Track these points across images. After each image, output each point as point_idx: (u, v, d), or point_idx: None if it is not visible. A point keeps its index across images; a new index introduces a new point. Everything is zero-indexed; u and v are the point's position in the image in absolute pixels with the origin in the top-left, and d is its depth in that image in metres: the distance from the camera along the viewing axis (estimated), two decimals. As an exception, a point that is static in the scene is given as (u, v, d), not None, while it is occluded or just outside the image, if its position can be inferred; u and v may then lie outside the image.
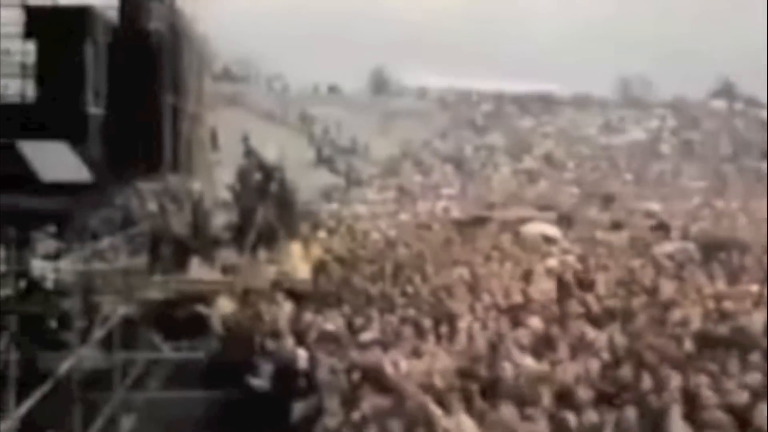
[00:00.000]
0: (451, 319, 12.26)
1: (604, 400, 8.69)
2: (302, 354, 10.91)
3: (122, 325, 11.58)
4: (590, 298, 14.18)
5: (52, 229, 11.22)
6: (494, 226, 28.46)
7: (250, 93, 61.69)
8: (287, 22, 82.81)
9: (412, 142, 58.72)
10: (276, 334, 11.92)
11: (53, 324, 9.33)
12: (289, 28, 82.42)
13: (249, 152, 29.20)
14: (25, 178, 9.63)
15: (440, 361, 10.04)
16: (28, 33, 14.83)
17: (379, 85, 73.80)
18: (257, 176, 22.63)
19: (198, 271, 17.11)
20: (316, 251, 20.60)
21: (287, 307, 14.10)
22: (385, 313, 12.97)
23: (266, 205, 20.78)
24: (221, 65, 57.10)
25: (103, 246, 11.69)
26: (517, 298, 14.31)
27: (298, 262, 18.83)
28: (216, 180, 23.72)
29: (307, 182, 34.26)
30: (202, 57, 20.47)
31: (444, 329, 11.69)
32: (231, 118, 42.81)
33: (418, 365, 9.91)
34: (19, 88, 17.90)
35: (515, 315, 12.74)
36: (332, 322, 12.52)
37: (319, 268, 18.19)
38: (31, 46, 14.99)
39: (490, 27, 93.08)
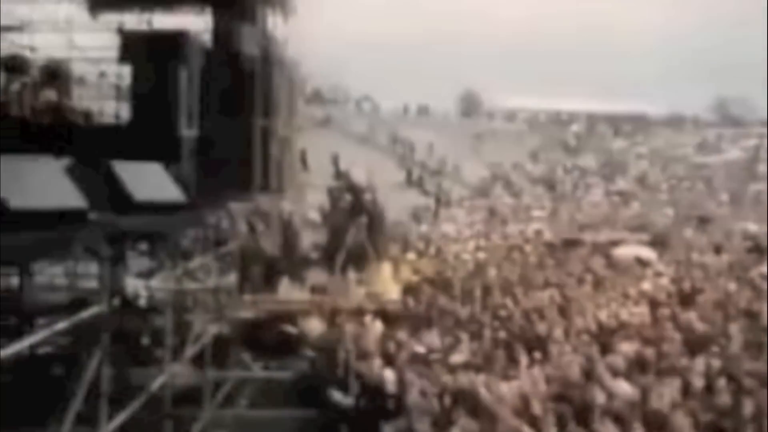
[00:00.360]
0: (543, 342, 12.09)
1: (701, 427, 8.44)
2: (391, 375, 10.85)
3: (213, 343, 11.68)
4: (686, 321, 13.85)
5: (144, 248, 11.39)
6: (586, 249, 28.05)
7: (340, 115, 62.15)
8: (377, 45, 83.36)
9: (502, 164, 58.38)
10: (365, 355, 11.88)
11: (146, 341, 9.45)
12: (380, 50, 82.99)
13: (339, 174, 29.38)
14: (119, 198, 9.76)
15: (533, 385, 9.89)
16: (124, 56, 15.13)
17: (470, 106, 73.67)
18: (347, 197, 22.72)
19: (287, 291, 17.21)
20: (406, 272, 20.55)
21: (376, 328, 14.08)
22: (476, 335, 12.85)
23: (356, 226, 20.83)
24: (312, 88, 57.66)
25: (195, 265, 11.83)
26: (611, 322, 14.06)
27: (387, 283, 18.81)
28: (306, 201, 23.88)
29: (397, 203, 34.26)
30: (293, 80, 20.63)
31: (536, 352, 11.52)
32: (321, 139, 43.15)
33: (510, 389, 9.77)
34: (114, 111, 18.31)
35: (608, 339, 12.50)
36: (422, 344, 12.44)
37: (409, 289, 18.13)
38: (126, 70, 15.29)
39: (581, 47, 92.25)
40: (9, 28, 10.44)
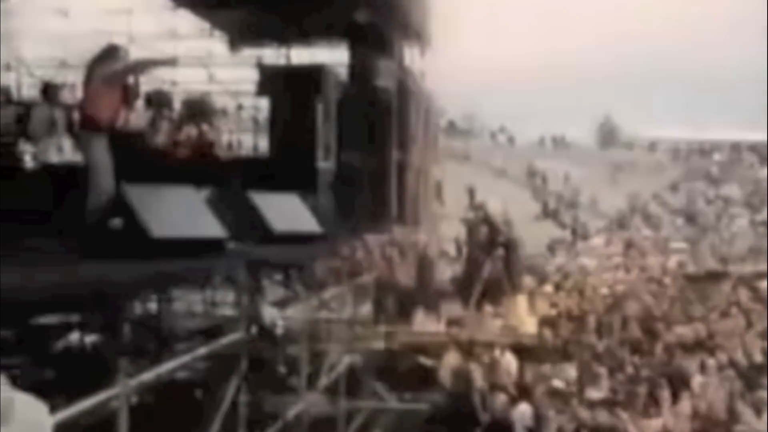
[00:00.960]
0: (686, 378, 11.72)
1: None
2: (527, 410, 10.68)
3: (347, 373, 11.72)
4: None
5: (280, 277, 11.55)
6: (731, 281, 27.13)
7: (475, 147, 62.04)
8: (512, 76, 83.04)
9: (641, 195, 57.13)
10: (500, 389, 11.73)
11: (282, 369, 9.53)
12: (515, 81, 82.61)
13: (475, 206, 29.27)
14: (258, 229, 9.93)
15: (676, 422, 9.58)
16: (262, 90, 15.47)
17: (608, 136, 72.57)
18: (483, 230, 22.59)
19: (422, 323, 17.17)
20: (542, 305, 20.27)
21: (512, 361, 13.90)
22: (615, 370, 12.56)
23: (492, 259, 20.66)
24: (447, 120, 57.81)
25: (330, 296, 11.92)
26: (757, 358, 13.53)
27: (523, 316, 18.57)
28: (441, 233, 23.86)
29: (533, 236, 33.89)
30: (428, 112, 20.74)
31: (678, 388, 11.18)
32: (456, 171, 43.09)
33: (651, 426, 9.50)
34: (252, 143, 18.72)
35: (754, 375, 12.04)
36: (559, 379, 12.22)
37: (546, 322, 17.87)
38: (264, 103, 15.62)
39: (722, 72, 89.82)
40: (160, 63, 10.79)
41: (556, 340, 15.71)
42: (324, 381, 10.48)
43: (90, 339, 12.63)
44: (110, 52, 9.04)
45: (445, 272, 22.25)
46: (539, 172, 58.59)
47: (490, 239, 21.91)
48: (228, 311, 12.57)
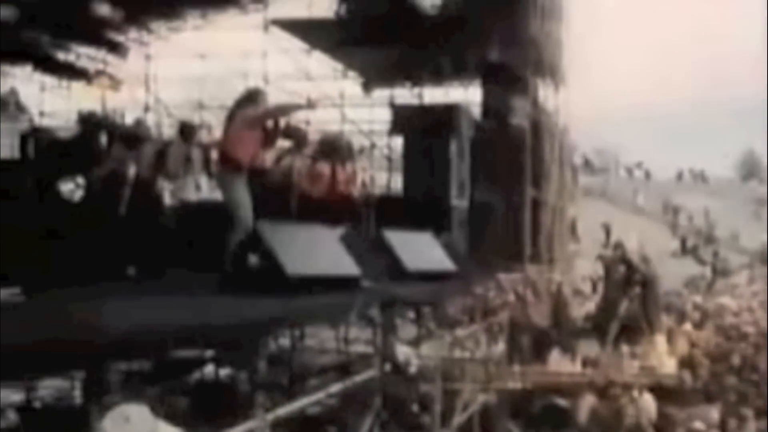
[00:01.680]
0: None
1: None
2: (667, 452, 10.37)
3: (481, 412, 11.61)
4: None
5: (413, 315, 11.55)
6: None
7: (610, 183, 61.05)
8: (648, 110, 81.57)
9: (786, 230, 55.09)
10: (639, 431, 11.43)
11: (415, 407, 9.52)
12: (650, 116, 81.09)
13: (610, 243, 28.75)
14: (392, 267, 9.97)
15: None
16: (395, 129, 15.61)
17: (750, 170, 70.39)
18: (620, 267, 22.12)
19: (558, 362, 16.87)
20: (682, 345, 19.67)
21: (651, 403, 13.54)
22: (762, 412, 12.09)
23: (629, 297, 20.20)
24: (582, 156, 57.11)
25: (463, 334, 11.86)
26: None
27: (662, 356, 18.06)
28: (576, 271, 23.49)
29: (671, 273, 33.01)
30: (563, 149, 20.53)
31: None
32: (591, 208, 42.51)
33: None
34: (385, 181, 18.86)
35: None
36: (701, 421, 11.83)
37: (686, 362, 17.34)
38: (397, 141, 15.76)
39: None
40: (300, 108, 11.04)
41: (696, 380, 15.24)
42: (457, 420, 10.41)
43: (224, 372, 12.90)
44: (252, 96, 9.30)
45: (581, 311, 21.85)
46: (677, 207, 57.21)
47: (627, 277, 21.41)
48: (361, 348, 12.65)
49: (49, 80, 18.99)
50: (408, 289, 9.81)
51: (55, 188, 10.21)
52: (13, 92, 14.01)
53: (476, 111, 16.41)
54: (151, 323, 6.05)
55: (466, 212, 15.11)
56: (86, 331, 5.65)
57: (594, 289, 22.53)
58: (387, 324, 9.76)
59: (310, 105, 12.71)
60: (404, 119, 15.23)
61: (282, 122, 10.13)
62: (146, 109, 20.03)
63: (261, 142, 9.38)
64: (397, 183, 16.37)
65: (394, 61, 17.32)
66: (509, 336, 15.30)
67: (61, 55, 18.20)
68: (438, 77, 17.88)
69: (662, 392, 14.12)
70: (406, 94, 18.96)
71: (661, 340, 19.42)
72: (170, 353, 8.79)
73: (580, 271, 24.17)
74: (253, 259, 7.64)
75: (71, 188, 10.27)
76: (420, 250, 10.81)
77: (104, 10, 16.10)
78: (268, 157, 11.89)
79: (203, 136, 12.91)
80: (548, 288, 19.31)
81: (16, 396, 12.04)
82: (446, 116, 14.90)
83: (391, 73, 18.46)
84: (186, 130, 12.42)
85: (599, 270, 23.23)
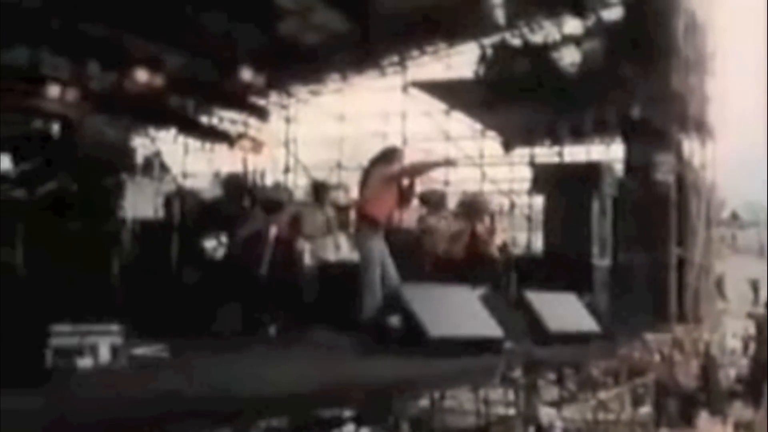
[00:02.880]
0: None
1: None
2: None
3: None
4: None
5: (555, 377, 11.27)
6: None
7: (759, 238, 58.93)
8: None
9: None
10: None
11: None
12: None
13: (760, 300, 27.67)
14: (534, 328, 9.77)
15: None
16: (535, 188, 15.41)
17: None
18: (774, 323, 21.21)
19: (707, 426, 16.21)
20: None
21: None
22: None
23: (786, 356, 19.33)
24: (730, 211, 55.39)
25: (608, 396, 11.50)
26: None
27: (820, 419, 17.15)
28: (725, 329, 22.62)
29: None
30: (710, 205, 19.91)
31: None
32: (739, 264, 41.03)
33: None
34: (526, 241, 18.63)
35: None
36: None
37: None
38: (537, 201, 15.55)
39: None
40: (436, 165, 11.06)
41: None
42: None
43: (363, 433, 12.80)
44: (387, 155, 9.32)
45: (731, 371, 20.99)
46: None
47: (784, 334, 20.51)
48: (502, 411, 12.39)
49: (193, 143, 19.58)
50: (550, 351, 9.58)
51: (198, 247, 10.42)
52: (158, 154, 14.46)
53: (619, 168, 16.07)
54: (291, 382, 6.05)
55: (609, 271, 14.74)
56: (228, 388, 5.67)
57: (746, 348, 21.62)
58: (529, 386, 9.54)
59: (447, 163, 12.70)
60: (545, 178, 15.01)
61: (418, 181, 10.11)
62: (286, 170, 20.41)
63: (397, 201, 9.35)
64: (538, 242, 16.13)
65: (535, 120, 17.19)
66: (655, 398, 14.79)
67: (204, 119, 18.75)
68: (579, 135, 17.65)
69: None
70: (546, 152, 18.78)
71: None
72: (310, 412, 8.77)
73: (729, 330, 23.24)
74: (393, 320, 7.60)
75: (214, 246, 10.47)
76: (562, 310, 10.56)
77: (247, 75, 16.54)
78: (407, 217, 11.88)
79: (341, 197, 13.01)
80: (696, 348, 18.63)
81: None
82: (588, 174, 14.62)
83: (531, 132, 18.33)
84: (319, 191, 12.54)
85: (750, 328, 22.36)
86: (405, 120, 19.90)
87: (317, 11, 16.26)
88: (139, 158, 13.49)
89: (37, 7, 13.32)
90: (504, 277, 12.11)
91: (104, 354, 5.92)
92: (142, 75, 15.35)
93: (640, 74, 15.55)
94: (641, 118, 15.68)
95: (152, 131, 19.20)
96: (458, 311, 8.20)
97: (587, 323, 10.93)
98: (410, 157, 12.75)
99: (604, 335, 11.17)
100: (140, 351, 6.69)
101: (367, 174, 9.28)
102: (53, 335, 5.68)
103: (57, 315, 6.00)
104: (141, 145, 17.36)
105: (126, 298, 8.97)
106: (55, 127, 8.75)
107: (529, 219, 19.30)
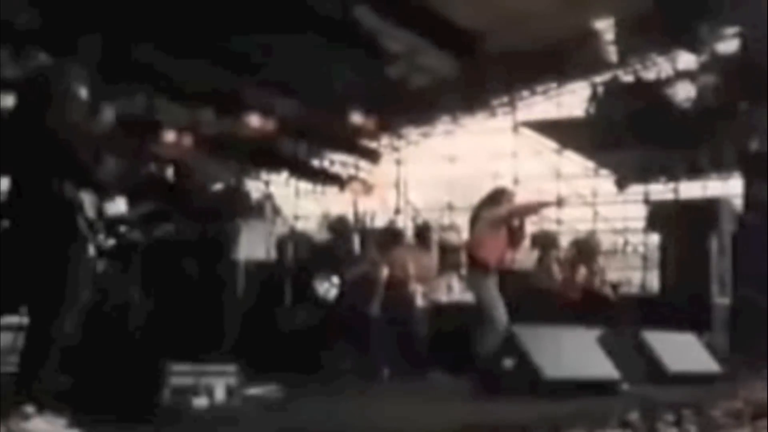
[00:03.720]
0: None
1: None
2: None
3: None
4: None
5: (673, 419, 10.91)
6: None
7: None
8: None
9: None
10: None
11: None
12: None
13: None
14: (652, 369, 9.52)
15: None
16: (651, 226, 15.10)
17: None
18: None
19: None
20: None
21: None
22: None
23: None
24: None
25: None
26: None
27: None
28: None
29: None
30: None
31: None
32: None
33: None
34: (641, 280, 18.23)
35: None
36: None
37: None
38: (653, 239, 15.22)
39: None
40: (545, 206, 10.95)
41: None
42: None
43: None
44: (496, 196, 9.23)
45: None
46: None
47: None
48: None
49: (304, 185, 19.85)
50: (670, 393, 9.30)
51: (310, 288, 10.49)
52: (269, 197, 14.66)
53: (738, 203, 15.64)
54: (404, 424, 6.01)
55: (729, 310, 14.31)
56: (340, 429, 5.66)
57: None
58: (647, 429, 9.26)
59: (557, 203, 12.53)
60: (661, 215, 14.70)
61: (529, 221, 10.00)
62: (396, 211, 20.48)
63: (508, 243, 9.24)
64: (654, 281, 15.77)
65: (649, 157, 16.90)
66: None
67: (315, 162, 19.01)
68: (695, 170, 17.28)
69: None
70: (661, 189, 18.42)
71: None
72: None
73: None
74: (507, 362, 7.49)
75: (326, 288, 10.52)
76: (681, 351, 10.27)
77: (358, 119, 16.73)
78: (519, 258, 11.75)
79: (453, 238, 12.94)
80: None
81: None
82: (706, 211, 14.25)
83: (645, 169, 18.02)
84: (430, 232, 12.49)
85: None
86: (516, 160, 19.81)
87: (426, 53, 16.33)
88: (252, 201, 13.70)
89: (152, 56, 13.74)
90: (620, 318, 11.84)
91: (219, 393, 5.98)
92: (254, 120, 15.67)
93: (757, 107, 15.19)
94: (760, 152, 15.28)
95: (264, 174, 19.54)
96: (573, 352, 8.04)
97: (707, 363, 10.61)
98: (521, 197, 12.65)
99: (726, 376, 10.83)
100: (254, 391, 6.73)
101: (476, 216, 9.21)
102: (171, 374, 5.76)
103: (174, 354, 6.08)
104: (254, 188, 17.64)
105: (240, 338, 9.07)
106: (170, 171, 8.96)
107: (644, 257, 18.92)
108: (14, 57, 11.44)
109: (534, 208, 10.59)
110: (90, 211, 4.73)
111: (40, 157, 4.68)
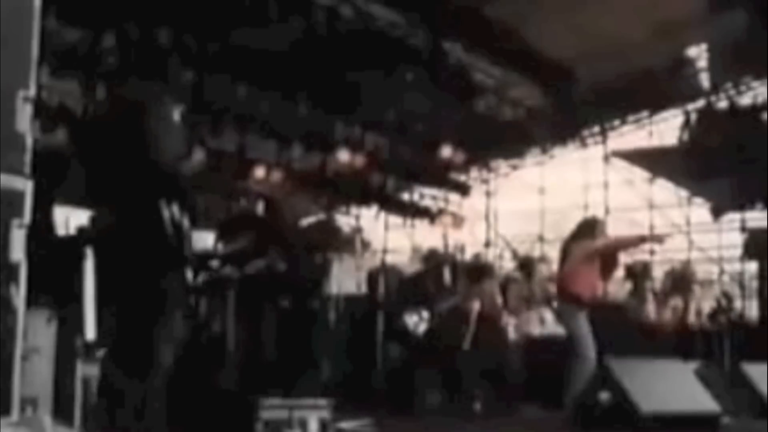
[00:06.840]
0: None
1: None
2: None
3: None
4: None
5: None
6: None
7: None
8: None
9: None
10: None
11: None
12: None
13: None
14: (752, 402, 9.25)
15: None
16: (748, 254, 14.80)
17: None
18: None
19: None
20: None
21: None
22: None
23: None
24: None
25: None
26: None
27: None
28: None
29: None
30: None
31: None
32: None
33: None
34: (739, 310, 17.71)
35: None
36: None
37: None
38: (750, 267, 14.87)
39: None
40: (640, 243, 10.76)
41: None
42: None
43: None
44: (587, 228, 9.07)
45: None
46: None
47: None
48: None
49: (394, 219, 19.91)
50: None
51: (401, 322, 10.48)
52: (359, 230, 14.74)
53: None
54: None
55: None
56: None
57: None
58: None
59: (656, 240, 12.25)
60: (758, 243, 14.35)
61: (622, 254, 9.82)
62: (487, 244, 20.35)
63: (600, 275, 9.06)
64: (752, 311, 15.37)
65: (745, 184, 16.50)
66: None
67: (405, 196, 19.06)
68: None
69: None
70: (757, 216, 17.96)
71: None
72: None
73: None
74: (603, 396, 7.36)
75: (416, 322, 10.50)
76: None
77: (448, 152, 16.75)
78: (612, 289, 11.58)
79: (544, 270, 12.83)
80: None
81: None
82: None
83: (741, 196, 17.59)
84: (526, 266, 12.42)
85: None
86: (607, 190, 19.55)
87: (516, 86, 16.30)
88: (343, 235, 13.79)
89: (243, 94, 13.98)
90: (718, 349, 11.56)
91: (312, 428, 6.00)
92: (344, 155, 15.80)
93: None
94: None
95: (354, 208, 19.64)
96: (671, 386, 7.86)
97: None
98: (613, 227, 12.45)
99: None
100: (347, 425, 6.73)
101: (566, 248, 9.06)
102: (263, 408, 5.80)
103: (267, 389, 6.12)
104: (344, 222, 17.76)
105: (333, 372, 9.10)
106: (261, 207, 9.08)
107: (741, 286, 18.43)
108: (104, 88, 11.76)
109: (629, 245, 10.34)
110: (187, 246, 4.70)
111: (138, 189, 4.60)
